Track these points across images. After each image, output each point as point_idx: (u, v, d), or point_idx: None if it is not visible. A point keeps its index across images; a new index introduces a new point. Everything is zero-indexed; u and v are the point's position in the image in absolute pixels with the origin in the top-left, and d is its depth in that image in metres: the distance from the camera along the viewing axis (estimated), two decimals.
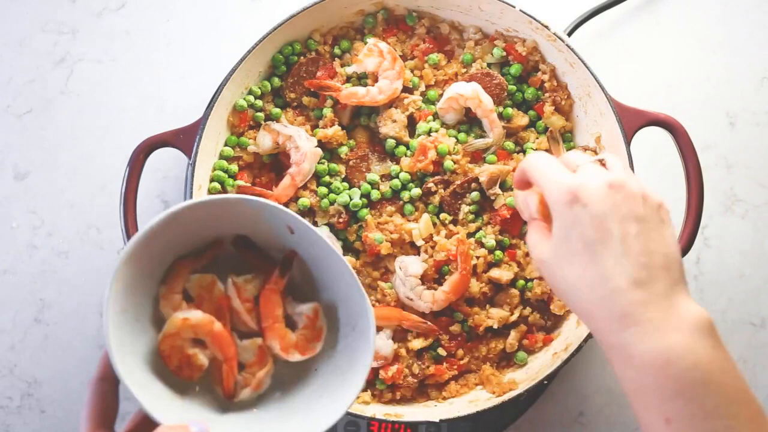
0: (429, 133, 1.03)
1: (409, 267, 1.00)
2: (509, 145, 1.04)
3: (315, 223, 1.02)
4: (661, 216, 0.77)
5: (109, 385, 0.76)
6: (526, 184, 0.83)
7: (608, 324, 0.73)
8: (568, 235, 0.75)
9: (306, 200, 1.01)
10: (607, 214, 0.74)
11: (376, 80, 1.03)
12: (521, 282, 1.02)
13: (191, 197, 0.96)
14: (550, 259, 0.77)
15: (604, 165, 0.79)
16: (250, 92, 1.03)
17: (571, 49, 0.99)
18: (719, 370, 0.72)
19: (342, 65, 1.05)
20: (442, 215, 1.02)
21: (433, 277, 1.01)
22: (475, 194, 1.02)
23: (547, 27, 0.99)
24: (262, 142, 1.02)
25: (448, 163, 1.02)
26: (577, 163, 0.79)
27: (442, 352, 1.01)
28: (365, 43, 1.04)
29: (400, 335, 1.01)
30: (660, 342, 0.71)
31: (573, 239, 0.75)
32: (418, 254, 1.02)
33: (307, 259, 0.83)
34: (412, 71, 1.05)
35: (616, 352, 0.73)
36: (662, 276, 0.74)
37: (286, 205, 1.02)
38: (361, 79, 1.05)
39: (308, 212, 1.02)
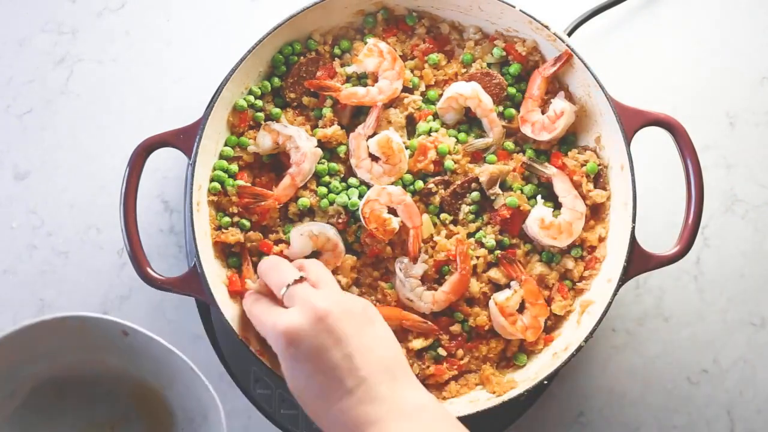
0: (429, 133, 1.03)
1: (410, 268, 1.00)
2: (509, 145, 1.04)
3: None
4: (368, 317, 0.86)
5: None
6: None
7: None
8: (293, 372, 0.84)
9: (306, 200, 1.01)
10: (320, 347, 0.82)
11: (376, 80, 1.03)
12: None
13: (191, 197, 0.96)
14: (289, 385, 0.86)
15: (303, 269, 0.90)
16: (250, 92, 1.03)
17: (571, 49, 0.99)
18: None
19: (342, 65, 1.05)
20: (443, 215, 1.02)
21: (434, 278, 1.01)
22: (475, 194, 1.02)
23: (547, 27, 0.99)
24: (262, 142, 1.02)
25: (448, 163, 1.02)
26: (280, 287, 0.88)
27: (442, 352, 1.01)
28: (365, 43, 1.04)
29: (400, 335, 1.01)
30: None
31: (297, 374, 0.84)
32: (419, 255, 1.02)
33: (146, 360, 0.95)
34: (412, 71, 1.05)
35: None
36: (382, 378, 0.82)
37: (286, 205, 1.02)
38: (361, 79, 1.04)
39: (308, 212, 1.02)
